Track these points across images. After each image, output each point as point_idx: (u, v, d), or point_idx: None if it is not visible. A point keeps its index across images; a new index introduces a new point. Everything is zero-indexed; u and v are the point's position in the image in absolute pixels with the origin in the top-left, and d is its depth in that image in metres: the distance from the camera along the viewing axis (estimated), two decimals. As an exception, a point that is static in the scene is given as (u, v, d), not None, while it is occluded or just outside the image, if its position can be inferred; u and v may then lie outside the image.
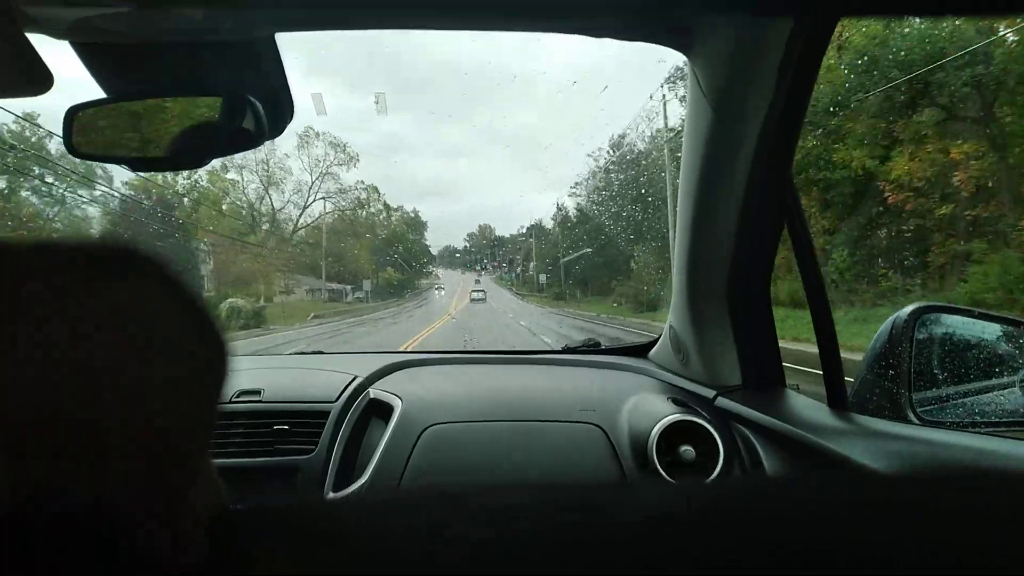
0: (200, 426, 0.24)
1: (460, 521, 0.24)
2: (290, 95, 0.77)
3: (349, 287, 29.46)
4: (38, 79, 0.52)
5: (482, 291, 29.44)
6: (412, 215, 39.05)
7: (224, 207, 25.12)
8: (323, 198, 29.19)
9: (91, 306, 0.20)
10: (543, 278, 30.12)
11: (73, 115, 0.72)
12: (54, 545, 0.19)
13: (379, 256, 32.48)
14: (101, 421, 0.20)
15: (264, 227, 27.29)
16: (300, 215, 28.81)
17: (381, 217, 33.97)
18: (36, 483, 0.19)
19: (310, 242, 28.88)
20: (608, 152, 23.23)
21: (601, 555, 0.22)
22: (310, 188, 28.83)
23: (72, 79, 0.74)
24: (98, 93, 0.73)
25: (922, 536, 0.24)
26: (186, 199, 23.37)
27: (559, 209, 29.41)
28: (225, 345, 0.23)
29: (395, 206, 36.16)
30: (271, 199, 27.92)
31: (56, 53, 0.59)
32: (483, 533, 0.24)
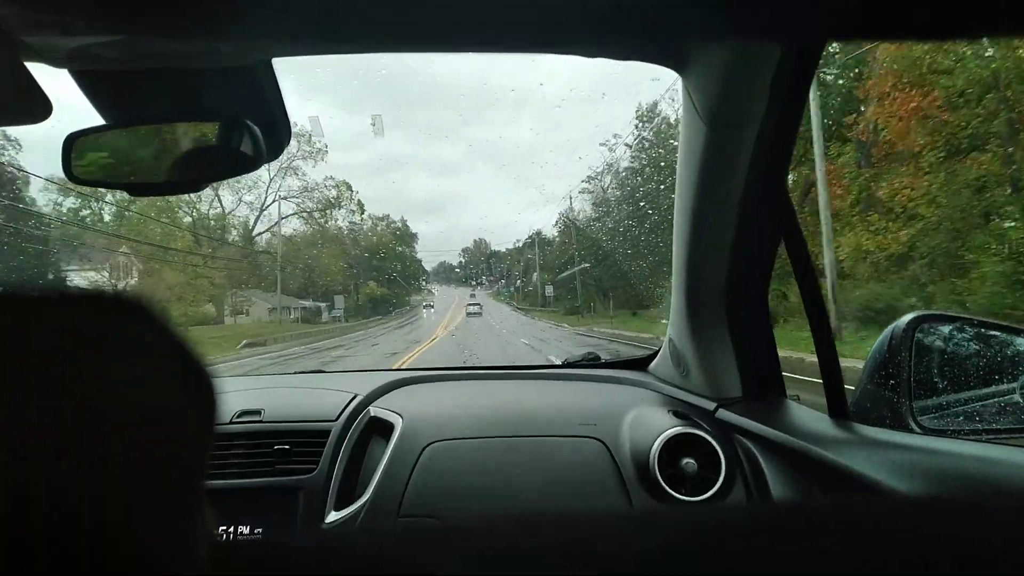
0: (195, 451, 0.24)
1: (457, 562, 0.24)
2: (287, 118, 0.77)
3: (323, 305, 24.79)
4: (38, 107, 0.53)
5: (478, 304, 28.86)
6: (400, 225, 35.27)
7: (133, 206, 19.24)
8: (284, 197, 24.15)
9: (94, 346, 0.22)
10: (550, 290, 27.06)
11: (72, 141, 0.72)
12: (54, 551, 0.19)
13: (359, 269, 27.79)
14: (105, 442, 0.21)
15: (208, 234, 21.74)
16: (257, 218, 23.52)
17: (366, 227, 29.59)
18: (36, 485, 0.20)
19: (270, 251, 23.29)
20: (636, 127, 19.20)
21: None
22: (268, 186, 23.75)
23: (71, 106, 0.75)
24: (97, 119, 0.73)
25: (925, 557, 0.24)
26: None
27: (570, 206, 25.72)
28: (210, 378, 0.25)
29: (381, 215, 32.39)
30: (220, 200, 22.83)
31: (55, 81, 0.60)
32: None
